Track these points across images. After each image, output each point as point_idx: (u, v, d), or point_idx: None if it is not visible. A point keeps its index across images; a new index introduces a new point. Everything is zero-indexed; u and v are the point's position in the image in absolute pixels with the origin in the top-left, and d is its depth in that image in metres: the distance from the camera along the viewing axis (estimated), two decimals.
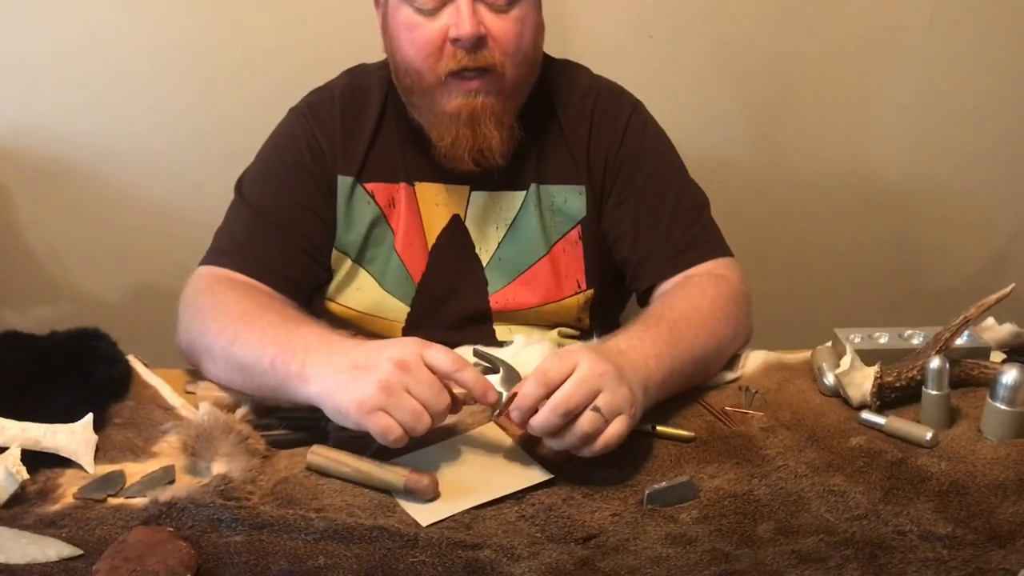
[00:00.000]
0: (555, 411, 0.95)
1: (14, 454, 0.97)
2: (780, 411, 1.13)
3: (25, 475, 0.96)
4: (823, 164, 2.04)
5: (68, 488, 0.98)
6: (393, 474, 0.97)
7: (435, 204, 1.31)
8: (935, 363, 1.08)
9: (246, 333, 1.08)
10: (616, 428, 0.96)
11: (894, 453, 1.05)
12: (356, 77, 1.34)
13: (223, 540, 0.91)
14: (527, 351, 1.18)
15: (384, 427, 0.94)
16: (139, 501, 0.96)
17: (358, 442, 1.02)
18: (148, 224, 1.94)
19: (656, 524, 0.95)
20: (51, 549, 0.88)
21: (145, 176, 1.90)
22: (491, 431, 1.08)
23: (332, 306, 1.34)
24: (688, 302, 1.17)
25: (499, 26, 1.18)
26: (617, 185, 1.31)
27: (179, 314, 1.19)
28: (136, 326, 1.36)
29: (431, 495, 0.97)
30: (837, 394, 1.15)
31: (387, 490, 0.98)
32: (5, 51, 1.78)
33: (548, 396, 0.95)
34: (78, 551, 0.89)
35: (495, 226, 1.32)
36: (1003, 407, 1.06)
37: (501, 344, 1.26)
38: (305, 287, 1.29)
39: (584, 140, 1.31)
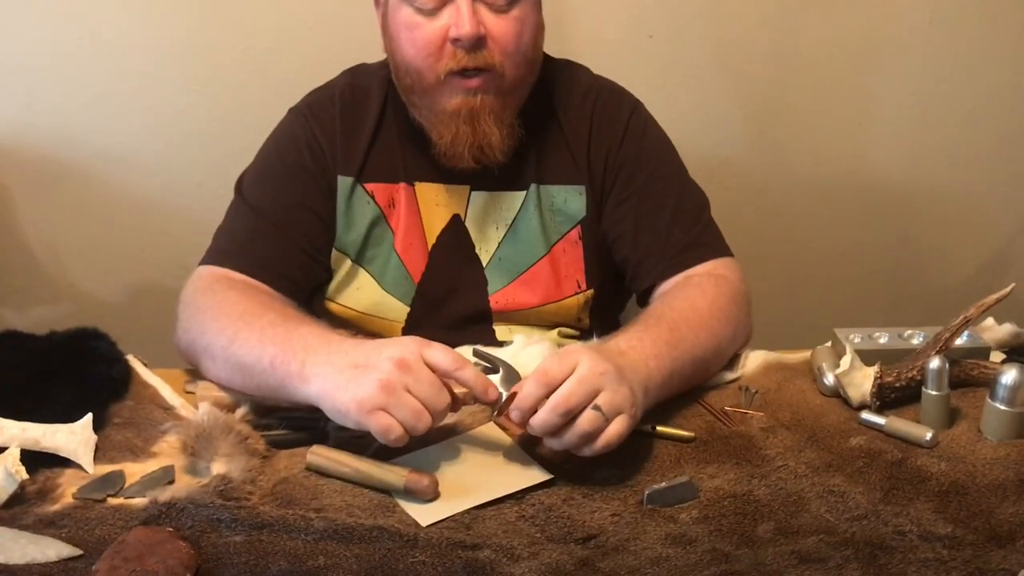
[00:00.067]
0: (555, 410, 0.95)
1: (13, 454, 0.97)
2: (780, 411, 1.13)
3: (24, 475, 0.96)
4: (823, 164, 2.04)
5: (67, 488, 0.98)
6: (393, 474, 0.97)
7: (435, 204, 1.31)
8: (935, 363, 1.08)
9: (246, 333, 1.08)
10: (616, 427, 0.96)
11: (894, 453, 1.05)
12: (356, 77, 1.34)
13: (223, 540, 0.91)
14: (527, 351, 1.18)
15: (384, 426, 0.94)
16: (139, 501, 0.96)
17: (358, 442, 1.02)
18: (148, 224, 1.94)
19: (656, 524, 0.94)
20: (51, 549, 0.88)
21: (145, 176, 1.90)
22: (491, 431, 1.08)
23: (332, 306, 1.34)
24: (688, 302, 1.17)
25: (499, 26, 1.18)
26: (617, 185, 1.31)
27: (178, 314, 1.19)
28: (135, 326, 1.36)
29: (431, 495, 0.97)
30: (837, 394, 1.15)
31: (387, 490, 0.98)
32: (5, 51, 1.78)
33: (548, 396, 0.95)
34: (78, 551, 0.89)
35: (495, 226, 1.32)
36: (1003, 407, 1.06)
37: (501, 344, 1.26)
38: (305, 287, 1.29)
39: (584, 140, 1.31)
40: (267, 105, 1.39)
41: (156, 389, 1.16)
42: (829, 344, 1.23)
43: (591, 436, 0.96)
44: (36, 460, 1.00)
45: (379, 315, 1.33)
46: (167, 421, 1.08)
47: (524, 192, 1.31)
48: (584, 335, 1.36)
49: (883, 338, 1.21)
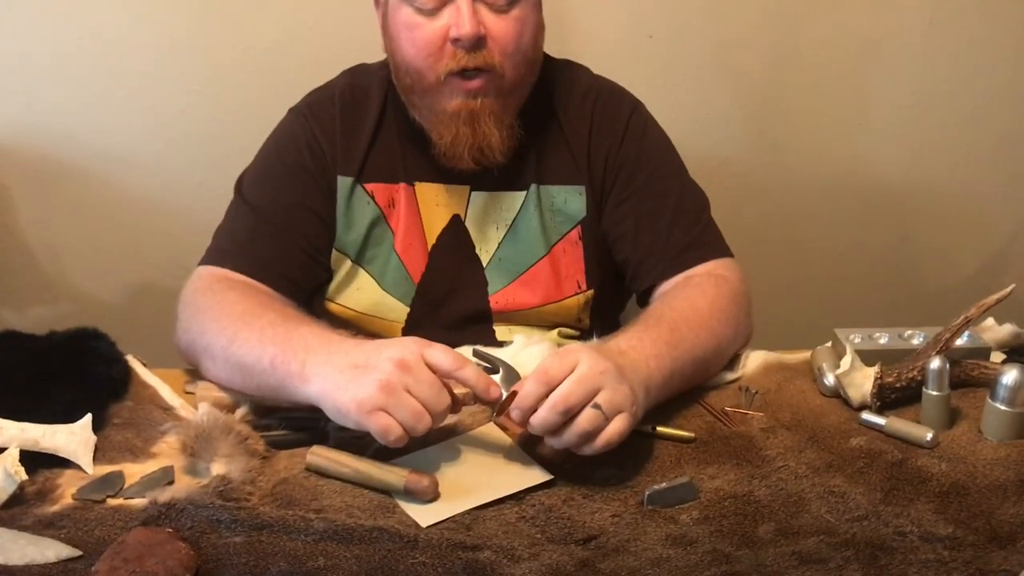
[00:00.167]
0: (555, 408, 0.95)
1: (13, 455, 0.96)
2: (780, 412, 1.13)
3: (24, 476, 0.96)
4: (823, 164, 2.04)
5: (67, 489, 0.98)
6: (393, 475, 0.97)
7: (435, 204, 1.31)
8: (935, 364, 1.08)
9: (246, 333, 1.08)
10: (617, 426, 0.96)
11: (894, 454, 1.05)
12: (356, 77, 1.34)
13: (222, 541, 0.90)
14: (527, 351, 1.18)
15: (384, 427, 0.94)
16: (138, 502, 0.96)
17: (358, 442, 1.01)
18: (148, 224, 1.93)
19: (656, 525, 0.94)
20: (50, 550, 0.88)
21: (145, 176, 1.90)
22: (491, 431, 1.08)
23: (332, 306, 1.34)
24: (688, 303, 1.17)
25: (499, 26, 1.18)
26: (617, 185, 1.31)
27: (178, 314, 1.19)
28: (135, 326, 1.36)
29: (431, 496, 0.96)
30: (837, 395, 1.15)
31: (387, 491, 0.98)
32: (5, 51, 1.78)
33: (548, 394, 0.95)
34: (77, 552, 0.89)
35: (495, 226, 1.32)
36: (1003, 408, 1.06)
37: (501, 344, 1.26)
38: (305, 287, 1.29)
39: (584, 140, 1.31)
40: (267, 105, 1.39)
41: (156, 389, 1.16)
42: (829, 344, 1.22)
43: (591, 435, 0.96)
44: (35, 461, 0.99)
45: (379, 315, 1.33)
46: (167, 421, 1.08)
47: (524, 192, 1.31)
48: (584, 335, 1.36)
49: (883, 338, 1.21)
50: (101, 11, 1.77)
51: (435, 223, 1.32)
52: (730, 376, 1.20)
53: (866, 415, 1.10)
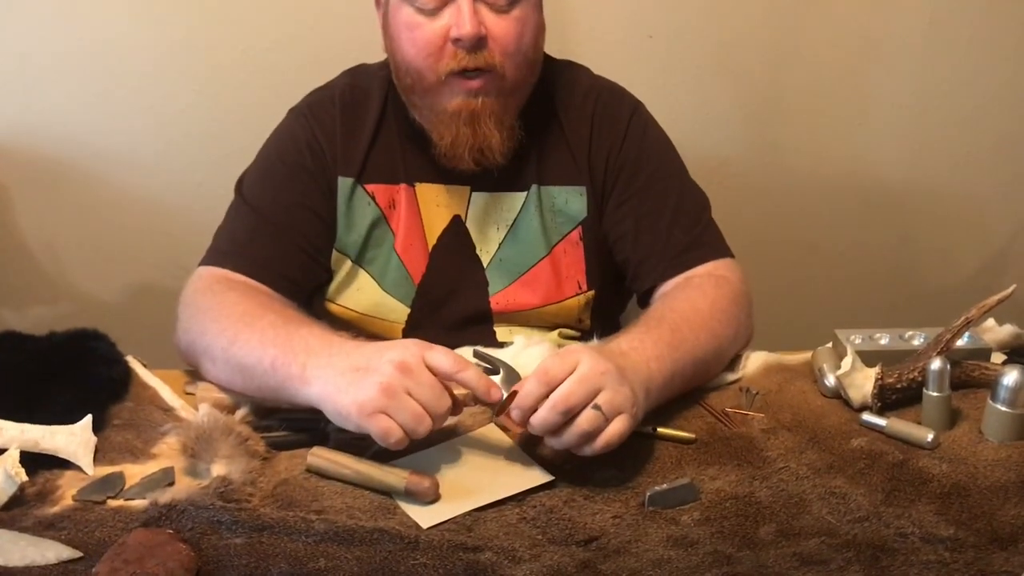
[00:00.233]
0: (555, 408, 0.95)
1: (13, 456, 0.96)
2: (781, 412, 1.13)
3: (24, 477, 0.96)
4: (823, 164, 2.04)
5: (67, 490, 0.98)
6: (394, 476, 0.97)
7: (436, 205, 1.31)
8: (936, 364, 1.08)
9: (246, 334, 1.08)
10: (617, 427, 0.96)
11: (895, 455, 1.05)
12: (356, 77, 1.34)
13: (223, 542, 0.90)
14: (527, 352, 1.18)
15: (385, 429, 0.94)
16: (139, 503, 0.96)
17: (358, 443, 1.01)
18: (148, 224, 1.93)
19: (657, 526, 0.94)
20: (50, 551, 0.88)
21: (145, 176, 1.90)
22: (492, 433, 1.08)
23: (332, 307, 1.34)
24: (689, 303, 1.17)
25: (500, 26, 1.18)
26: (618, 186, 1.31)
27: (178, 314, 1.19)
28: (135, 326, 1.36)
29: (432, 497, 0.96)
30: (838, 395, 1.15)
31: (388, 492, 0.98)
32: (5, 51, 1.78)
33: (549, 394, 0.95)
34: (77, 553, 0.89)
35: (496, 227, 1.32)
36: (1004, 409, 1.06)
37: (501, 345, 1.26)
38: (305, 288, 1.29)
39: (585, 141, 1.31)
40: (267, 105, 1.39)
41: (156, 390, 1.16)
42: (830, 345, 1.22)
43: (591, 435, 0.96)
44: (36, 462, 0.99)
45: (379, 316, 1.33)
46: (167, 423, 1.08)
47: (525, 193, 1.31)
48: (585, 336, 1.36)
49: (884, 339, 1.21)
50: (101, 11, 1.77)
51: (436, 224, 1.32)
52: (731, 377, 1.20)
53: (867, 416, 1.10)
